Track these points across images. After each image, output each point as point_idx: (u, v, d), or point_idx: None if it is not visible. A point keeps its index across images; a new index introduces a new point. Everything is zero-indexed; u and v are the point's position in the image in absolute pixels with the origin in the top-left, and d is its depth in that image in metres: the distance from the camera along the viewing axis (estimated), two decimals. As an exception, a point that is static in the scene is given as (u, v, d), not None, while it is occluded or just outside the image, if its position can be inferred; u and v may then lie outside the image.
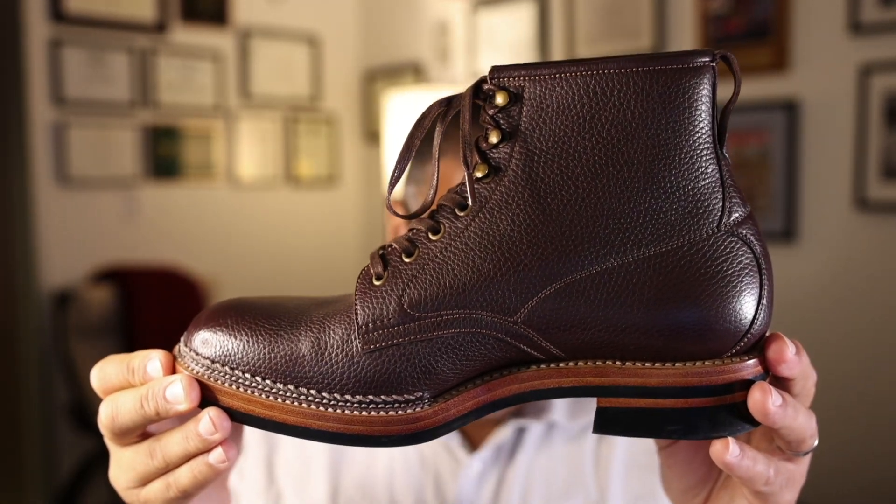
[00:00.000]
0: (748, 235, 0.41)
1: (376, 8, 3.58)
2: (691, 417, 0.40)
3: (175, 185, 3.15)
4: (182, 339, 0.45)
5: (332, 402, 0.41)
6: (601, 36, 2.68)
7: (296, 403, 0.41)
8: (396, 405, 0.41)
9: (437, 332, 0.41)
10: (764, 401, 0.39)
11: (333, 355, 0.41)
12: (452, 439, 0.77)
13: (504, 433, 0.76)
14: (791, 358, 0.41)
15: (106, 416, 0.45)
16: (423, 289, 0.41)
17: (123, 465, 0.47)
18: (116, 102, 2.97)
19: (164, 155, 3.10)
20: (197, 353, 0.43)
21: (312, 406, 0.41)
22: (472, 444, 0.78)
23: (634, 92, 0.39)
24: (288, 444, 0.81)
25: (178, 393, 0.42)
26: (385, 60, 3.52)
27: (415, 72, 3.35)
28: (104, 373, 0.46)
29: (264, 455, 0.80)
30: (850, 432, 2.15)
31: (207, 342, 0.43)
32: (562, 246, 0.40)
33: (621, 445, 0.76)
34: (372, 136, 3.57)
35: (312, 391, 0.41)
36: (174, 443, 0.43)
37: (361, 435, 0.41)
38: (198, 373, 0.43)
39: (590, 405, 0.77)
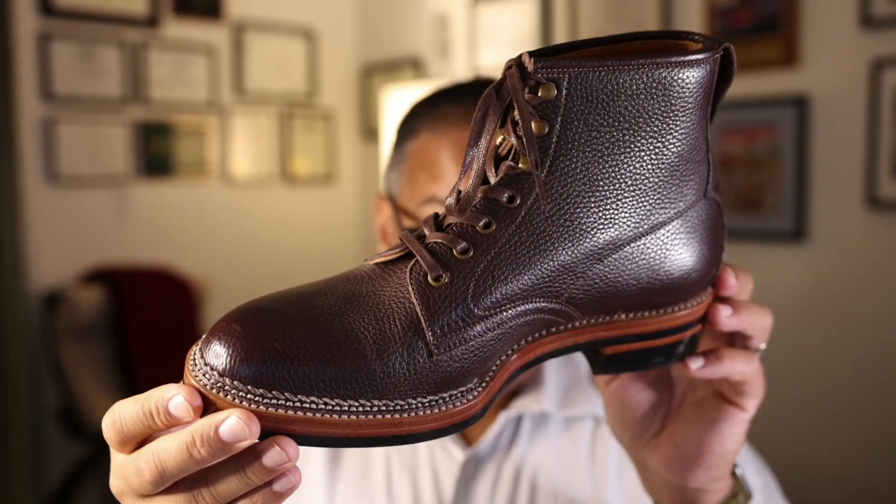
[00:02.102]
0: (719, 196, 0.49)
1: (374, 1, 3.58)
2: (675, 348, 0.49)
3: (167, 182, 3.15)
4: (224, 373, 0.40)
5: (405, 408, 0.41)
6: (606, 30, 2.69)
7: (370, 417, 0.41)
8: (460, 396, 0.43)
9: (501, 330, 0.44)
10: (715, 313, 0.50)
11: (400, 365, 0.41)
12: (447, 437, 0.79)
13: (497, 428, 0.78)
14: (732, 283, 0.50)
15: (151, 474, 0.40)
16: (486, 285, 0.43)
17: None
18: (107, 98, 2.97)
19: (156, 152, 3.10)
20: (250, 388, 0.39)
21: (387, 416, 0.41)
22: (467, 439, 0.80)
23: (656, 81, 0.44)
24: None
25: (238, 430, 0.38)
26: (383, 55, 3.53)
27: (414, 67, 3.35)
28: (120, 420, 0.41)
29: None
30: (860, 433, 2.16)
31: (260, 374, 0.39)
32: (600, 224, 0.45)
33: (616, 443, 0.77)
34: (370, 132, 3.57)
35: (384, 401, 0.41)
36: (228, 481, 0.40)
37: (432, 430, 0.43)
38: (256, 407, 0.39)
39: (581, 395, 0.80)
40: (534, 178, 0.44)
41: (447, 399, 0.42)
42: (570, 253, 0.44)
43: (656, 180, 0.46)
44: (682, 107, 0.45)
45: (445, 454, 0.79)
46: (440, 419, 0.42)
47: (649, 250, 0.46)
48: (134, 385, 2.69)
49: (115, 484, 0.42)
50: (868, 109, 2.12)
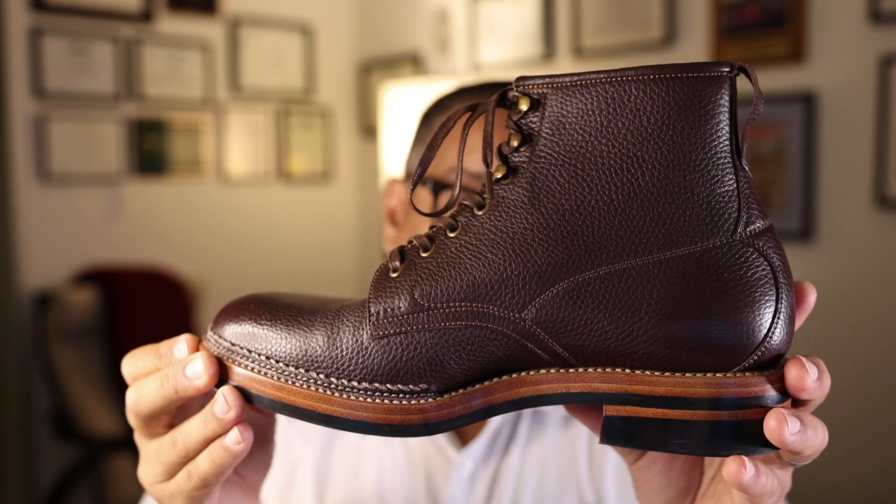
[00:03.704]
0: (765, 248, 0.42)
1: (373, -5, 3.58)
2: (699, 431, 0.41)
3: (161, 181, 3.15)
4: (210, 326, 0.50)
5: (339, 387, 0.45)
6: (609, 26, 2.69)
7: (304, 386, 0.45)
8: (402, 395, 0.44)
9: (445, 323, 0.44)
10: (780, 430, 0.40)
11: (345, 342, 0.45)
12: (442, 437, 0.79)
13: (494, 427, 0.78)
14: (811, 386, 0.41)
15: (131, 401, 0.50)
16: (434, 281, 0.45)
17: (150, 458, 0.51)
18: (100, 95, 2.98)
19: (149, 150, 3.10)
20: (220, 338, 0.48)
21: (320, 390, 0.45)
22: (463, 440, 0.81)
23: (652, 99, 0.43)
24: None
25: (199, 369, 0.47)
26: (382, 51, 3.53)
27: (413, 63, 3.35)
28: (134, 362, 0.51)
29: None
30: (870, 435, 2.16)
31: (231, 328, 0.48)
32: (573, 245, 0.43)
33: None
34: (368, 130, 3.58)
35: (322, 375, 0.45)
36: (193, 428, 0.48)
37: (364, 422, 0.44)
38: (219, 354, 0.47)
39: None
40: (506, 188, 0.45)
41: (386, 393, 0.44)
42: (531, 264, 0.44)
43: (653, 208, 0.43)
44: (687, 129, 0.42)
45: (440, 455, 0.79)
46: (373, 410, 0.44)
47: (639, 284, 0.42)
48: (126, 387, 2.69)
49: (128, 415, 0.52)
50: (877, 106, 2.12)
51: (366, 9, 3.62)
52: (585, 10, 2.75)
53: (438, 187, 0.76)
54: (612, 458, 0.78)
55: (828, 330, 2.22)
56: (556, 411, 0.79)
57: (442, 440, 0.79)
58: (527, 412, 0.79)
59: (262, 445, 0.55)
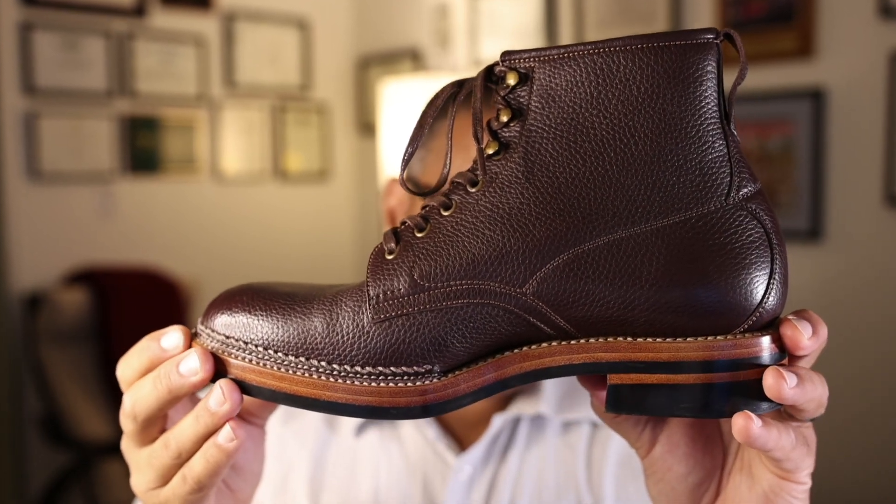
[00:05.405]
0: (757, 210, 0.44)
1: (371, -10, 3.58)
2: (703, 394, 0.43)
3: (154, 179, 3.15)
4: (199, 320, 0.49)
5: (342, 374, 0.45)
6: (612, 20, 2.69)
7: (306, 375, 0.45)
8: (406, 377, 0.45)
9: (446, 302, 0.45)
10: (778, 386, 0.42)
11: (345, 327, 0.46)
12: (440, 441, 0.79)
13: (493, 432, 0.78)
14: (807, 344, 0.43)
15: (128, 405, 0.49)
16: (433, 261, 0.46)
17: (142, 465, 0.51)
18: (92, 91, 2.97)
19: (142, 147, 3.10)
20: (213, 331, 0.48)
21: (323, 377, 0.45)
22: (461, 445, 0.81)
23: (640, 68, 0.44)
24: (267, 456, 0.82)
25: (193, 365, 0.46)
26: (380, 46, 3.53)
27: (412, 58, 3.35)
28: (128, 362, 0.50)
29: None
30: (879, 437, 2.16)
31: (223, 320, 0.47)
32: (570, 218, 0.44)
33: (614, 447, 0.79)
34: (366, 127, 3.58)
35: (323, 363, 0.45)
36: (185, 427, 0.47)
37: (370, 406, 0.45)
38: (213, 348, 0.47)
39: (579, 400, 0.80)
40: (498, 163, 0.46)
41: (389, 376, 0.45)
42: (529, 238, 0.45)
43: (646, 176, 0.44)
44: (676, 96, 0.44)
45: (438, 459, 0.79)
46: (378, 395, 0.45)
47: (637, 253, 0.44)
48: (119, 390, 2.69)
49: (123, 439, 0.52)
50: (887, 103, 2.12)
51: (364, 3, 3.62)
52: (588, 4, 2.75)
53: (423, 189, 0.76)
54: (611, 462, 0.78)
55: (836, 330, 2.22)
56: (557, 417, 0.79)
57: (439, 445, 0.79)
58: (525, 418, 0.79)
59: (252, 457, 0.56)
